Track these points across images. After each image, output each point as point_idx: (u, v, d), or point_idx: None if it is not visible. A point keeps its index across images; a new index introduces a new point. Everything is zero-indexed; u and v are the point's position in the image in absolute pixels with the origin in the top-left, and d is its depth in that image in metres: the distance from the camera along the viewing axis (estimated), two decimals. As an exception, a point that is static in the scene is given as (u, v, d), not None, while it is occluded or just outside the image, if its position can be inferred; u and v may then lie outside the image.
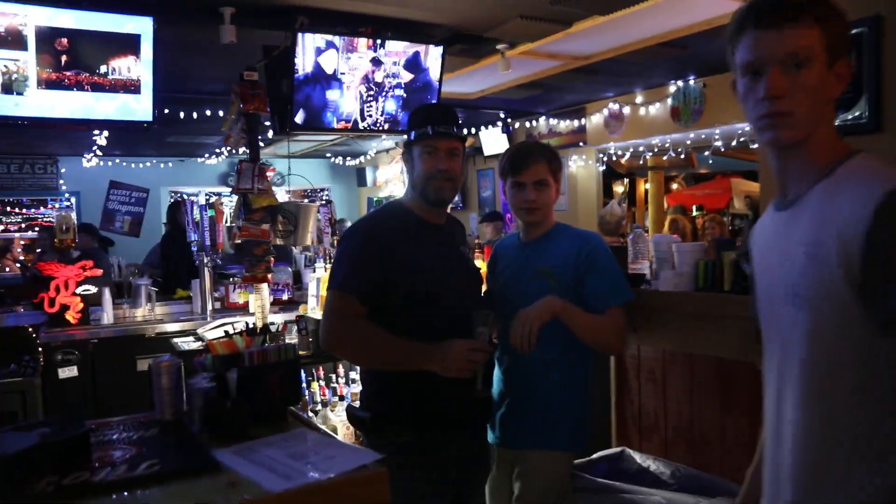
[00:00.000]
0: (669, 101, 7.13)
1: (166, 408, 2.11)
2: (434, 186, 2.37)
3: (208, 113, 6.75)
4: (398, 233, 2.35)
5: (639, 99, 7.46)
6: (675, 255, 2.87)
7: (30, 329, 5.27)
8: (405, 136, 2.49)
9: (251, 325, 3.03)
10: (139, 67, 3.96)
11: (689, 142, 7.51)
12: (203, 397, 2.03)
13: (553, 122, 8.48)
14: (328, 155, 11.81)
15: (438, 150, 2.36)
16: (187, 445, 1.95)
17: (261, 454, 1.82)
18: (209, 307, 5.14)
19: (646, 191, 12.40)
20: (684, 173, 12.90)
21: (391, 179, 11.43)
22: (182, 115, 6.73)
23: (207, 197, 11.35)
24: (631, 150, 8.12)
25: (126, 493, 1.62)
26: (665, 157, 8.64)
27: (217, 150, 10.26)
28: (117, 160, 10.74)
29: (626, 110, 7.64)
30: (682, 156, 8.38)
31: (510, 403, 2.55)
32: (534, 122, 8.66)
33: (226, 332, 3.17)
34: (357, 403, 2.59)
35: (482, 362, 2.22)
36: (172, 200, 9.36)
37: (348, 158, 12.08)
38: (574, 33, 4.99)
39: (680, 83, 6.98)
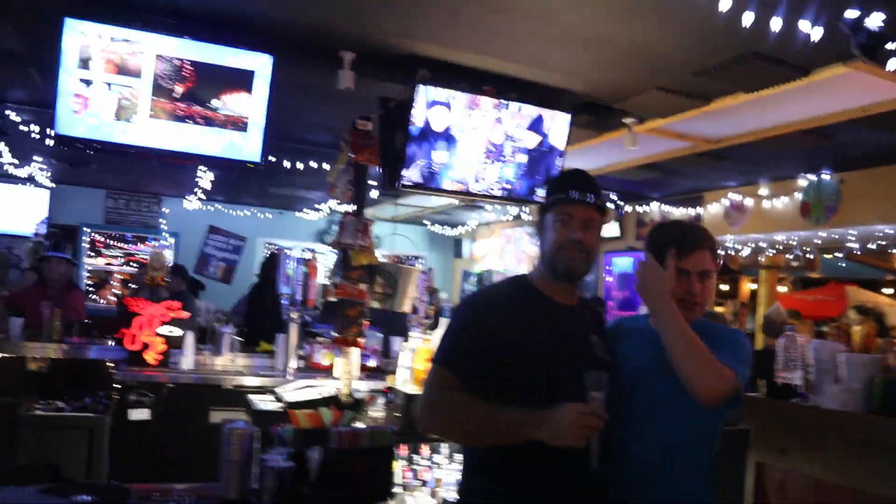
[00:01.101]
0: (799, 195, 6.61)
1: (232, 484, 1.77)
2: (564, 256, 2.08)
3: (313, 165, 6.62)
4: (516, 309, 2.07)
5: (764, 191, 6.97)
6: (841, 368, 2.41)
7: (109, 364, 5.13)
8: (518, 206, 2.17)
9: (337, 391, 2.70)
10: (250, 105, 3.81)
11: (818, 241, 6.93)
12: (277, 479, 1.69)
13: (667, 208, 8.04)
14: (426, 222, 11.62)
15: (573, 219, 2.08)
16: (251, 537, 1.60)
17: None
18: (292, 365, 4.88)
19: (752, 292, 11.66)
20: (793, 276, 12.14)
21: (489, 254, 11.14)
22: (287, 164, 6.62)
23: (302, 252, 11.30)
24: (751, 245, 7.56)
25: None
26: (790, 257, 8.02)
27: (317, 206, 10.20)
28: (218, 206, 10.82)
29: (749, 202, 7.14)
30: (811, 256, 7.73)
31: None
32: (646, 207, 8.24)
33: (320, 393, 2.81)
34: (443, 491, 2.21)
35: (597, 429, 1.83)
36: (269, 252, 9.30)
37: (446, 227, 11.87)
38: (708, 112, 4.64)
39: (812, 176, 6.46)
